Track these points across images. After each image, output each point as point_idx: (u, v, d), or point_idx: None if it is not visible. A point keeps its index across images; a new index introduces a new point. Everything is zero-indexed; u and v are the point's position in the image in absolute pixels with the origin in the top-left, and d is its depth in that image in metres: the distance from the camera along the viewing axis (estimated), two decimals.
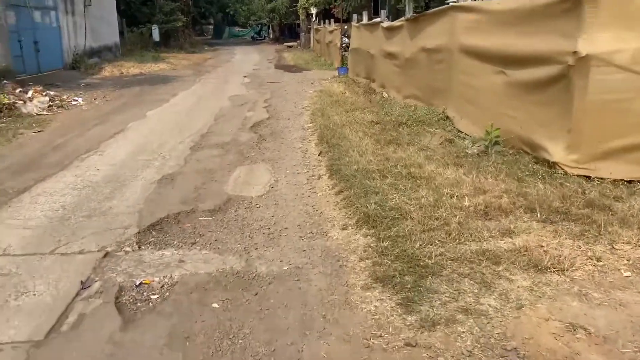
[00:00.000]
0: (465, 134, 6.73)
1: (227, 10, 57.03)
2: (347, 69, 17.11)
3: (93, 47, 21.13)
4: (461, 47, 7.11)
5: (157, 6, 32.55)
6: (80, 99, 12.11)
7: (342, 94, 12.27)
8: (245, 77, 18.08)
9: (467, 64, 6.94)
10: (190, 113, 10.49)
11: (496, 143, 5.77)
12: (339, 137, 7.21)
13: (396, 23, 10.57)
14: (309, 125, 8.89)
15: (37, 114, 10.24)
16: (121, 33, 30.07)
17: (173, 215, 4.78)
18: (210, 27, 67.57)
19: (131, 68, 19.89)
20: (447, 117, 7.57)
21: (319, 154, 6.77)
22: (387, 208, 4.29)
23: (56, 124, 9.45)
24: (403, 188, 4.78)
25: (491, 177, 5.01)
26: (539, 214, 4.08)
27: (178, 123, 9.36)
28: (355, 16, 17.25)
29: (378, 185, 4.90)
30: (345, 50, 21.00)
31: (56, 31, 18.08)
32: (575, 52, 4.52)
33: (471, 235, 3.80)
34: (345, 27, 22.85)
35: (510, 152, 5.61)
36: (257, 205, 5.01)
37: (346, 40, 22.19)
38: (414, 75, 9.33)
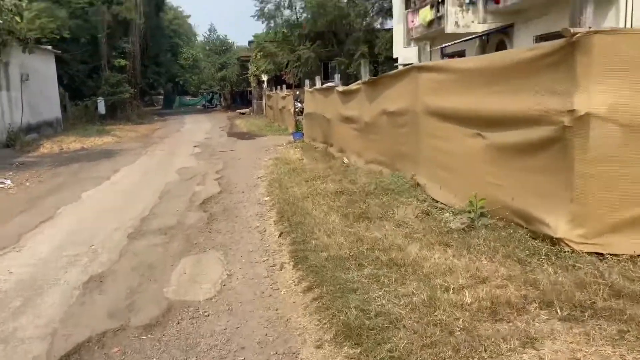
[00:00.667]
0: (442, 203, 6.00)
1: (176, 80, 56.89)
2: (302, 133, 16.57)
3: (31, 123, 19.85)
4: (427, 109, 6.54)
5: (102, 78, 31.72)
6: (8, 181, 10.83)
7: (299, 161, 11.55)
8: (195, 146, 17.21)
9: (435, 127, 6.33)
10: (132, 191, 9.43)
11: (482, 215, 5.04)
12: (301, 212, 6.35)
13: (353, 86, 10.09)
14: (266, 199, 8.02)
15: None
16: (64, 107, 28.93)
17: (96, 337, 3.70)
18: (160, 97, 67.14)
19: (72, 143, 18.67)
20: (418, 184, 6.88)
21: (280, 235, 5.86)
22: (371, 313, 3.38)
23: None
24: (386, 281, 3.90)
25: (486, 258, 4.22)
26: (559, 310, 3.27)
27: (116, 205, 8.28)
28: (307, 81, 16.95)
29: (355, 278, 4.00)
30: (299, 115, 20.66)
31: None
32: (572, 111, 3.91)
33: (485, 350, 2.92)
34: (297, 92, 22.69)
35: (501, 225, 4.87)
36: (206, 314, 3.99)
37: (299, 105, 21.94)
38: (376, 140, 8.72)
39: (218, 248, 5.67)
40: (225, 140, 19.24)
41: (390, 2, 28.32)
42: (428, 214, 5.72)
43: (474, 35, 16.04)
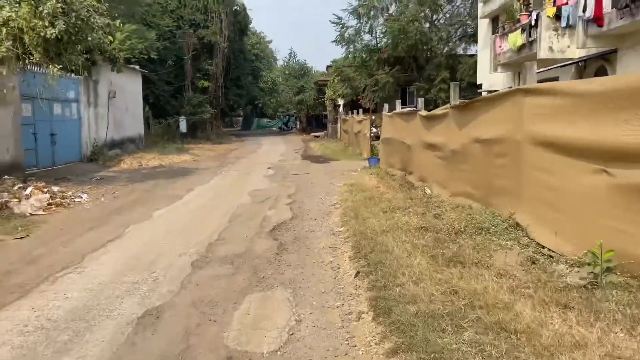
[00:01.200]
0: (551, 250, 5.05)
1: (256, 102, 58.24)
2: (378, 159, 15.88)
3: (115, 138, 20.60)
4: (533, 138, 5.63)
5: (185, 98, 32.85)
6: (85, 196, 10.94)
7: (375, 188, 10.83)
8: (269, 168, 16.97)
9: (544, 159, 5.41)
10: (203, 212, 9.11)
11: (608, 270, 4.07)
12: (380, 249, 5.61)
13: (438, 111, 9.29)
14: (340, 229, 7.35)
15: (31, 213, 9.00)
16: (148, 124, 30.10)
17: None
18: (240, 118, 69.08)
19: (151, 160, 19.10)
20: (518, 224, 5.94)
21: (356, 276, 5.14)
22: None
23: (47, 227, 8.12)
24: (495, 353, 3.08)
25: (622, 330, 3.29)
26: None
27: (186, 226, 7.94)
28: (386, 105, 16.31)
29: (453, 344, 3.21)
30: (374, 140, 20.01)
31: (76, 123, 17.55)
32: None
33: None
34: (374, 117, 22.08)
35: (636, 285, 3.89)
36: None
37: (375, 130, 21.33)
38: (465, 170, 7.85)
39: (287, 285, 5.04)
40: (299, 163, 18.92)
41: (475, 27, 27.29)
42: (534, 263, 4.79)
43: (570, 62, 14.75)
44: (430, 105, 25.19)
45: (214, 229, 7.60)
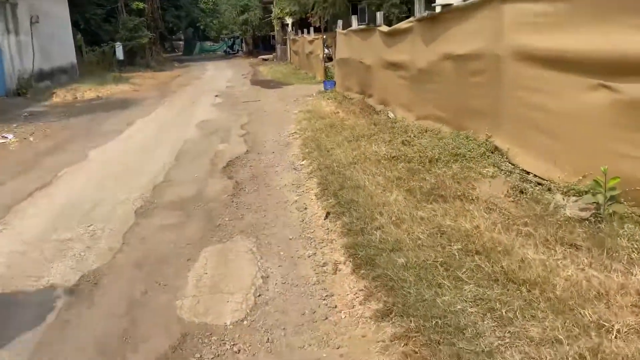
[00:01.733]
0: (537, 176, 4.59)
1: (197, 25, 54.71)
2: (334, 82, 15.01)
3: (44, 69, 18.59)
4: (517, 52, 5.00)
5: (120, 22, 30.09)
6: (10, 136, 9.69)
7: (335, 114, 10.12)
8: (217, 96, 15.80)
9: (530, 76, 4.81)
10: (146, 150, 8.17)
11: (612, 199, 3.63)
12: (350, 185, 5.01)
13: (402, 25, 8.45)
14: (302, 162, 6.68)
15: None
16: (81, 52, 27.56)
17: None
18: (181, 42, 65.13)
19: (87, 91, 17.41)
20: (496, 147, 5.44)
21: (326, 217, 4.55)
22: None
23: None
24: (505, 313, 2.58)
25: None
26: None
27: (127, 167, 7.05)
28: (340, 22, 15.19)
29: (456, 304, 2.69)
30: (327, 62, 18.97)
31: None
32: None
33: None
34: (324, 36, 20.83)
35: None
36: (236, 349, 2.76)
37: (327, 50, 20.20)
38: (433, 91, 7.21)
39: (248, 233, 4.39)
40: (248, 89, 17.76)
41: None
42: (523, 192, 4.31)
43: None
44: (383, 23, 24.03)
45: (159, 169, 6.77)
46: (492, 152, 5.44)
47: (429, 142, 6.24)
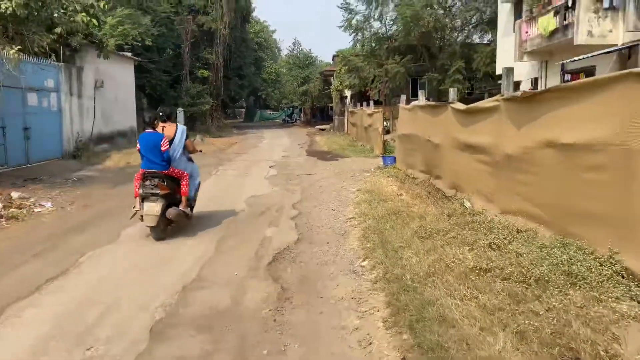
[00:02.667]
0: None
1: (259, 94, 56.30)
2: (394, 158, 13.97)
3: (103, 132, 18.72)
4: None
5: (183, 88, 30.88)
6: (49, 204, 9.08)
7: (398, 197, 8.97)
8: (271, 167, 15.09)
9: None
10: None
11: None
12: (433, 315, 3.71)
13: (484, 104, 7.35)
14: (363, 264, 5.47)
15: None
16: (143, 117, 28.21)
17: None
18: (242, 110, 67.15)
19: None
20: (627, 270, 4.05)
21: None
22: None
23: None
24: None
25: None
26: None
27: (158, 254, 6.07)
28: (403, 97, 14.36)
29: None
30: (385, 134, 18.09)
31: (56, 115, 15.62)
32: None
33: None
34: (383, 109, 20.08)
35: None
36: None
37: (385, 123, 19.42)
38: (525, 182, 5.94)
39: None
40: (304, 161, 17.02)
41: (492, 13, 25.19)
42: None
43: (613, 48, 12.72)
44: (443, 97, 23.17)
45: (194, 261, 5.74)
46: (622, 276, 4.05)
47: (527, 250, 4.90)
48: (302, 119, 52.23)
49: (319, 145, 23.45)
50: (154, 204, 6.35)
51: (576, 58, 13.44)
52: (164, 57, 29.54)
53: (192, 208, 7.28)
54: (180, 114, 29.43)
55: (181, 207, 6.78)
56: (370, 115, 19.73)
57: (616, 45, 12.92)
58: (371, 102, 21.39)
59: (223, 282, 5.02)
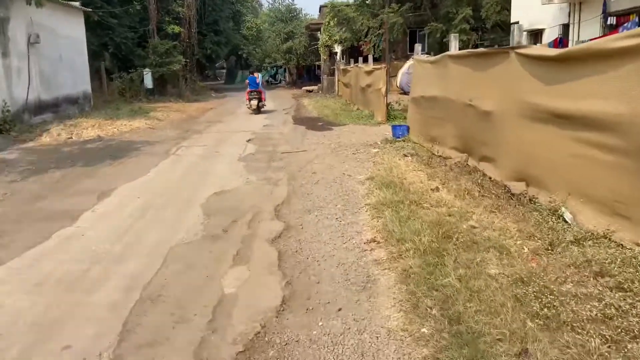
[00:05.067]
0: None
1: (239, 53, 52.06)
2: (407, 127, 10.86)
3: (43, 99, 15.21)
4: None
5: (150, 46, 27.01)
6: None
7: (433, 193, 6.02)
8: (249, 141, 11.89)
9: None
10: (84, 279, 4.13)
11: None
12: None
13: (608, 44, 4.22)
14: None
15: None
16: (109, 77, 24.55)
17: None
18: (223, 71, 62.93)
19: (89, 128, 13.81)
20: None
21: None
22: None
23: None
24: None
25: None
26: None
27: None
28: (417, 47, 11.12)
29: None
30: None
31: None
32: None
33: None
34: (383, 65, 16.77)
35: None
36: None
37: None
38: None
39: None
40: (290, 131, 13.75)
41: None
42: None
43: None
44: (445, 50, 19.89)
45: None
46: None
47: None
48: (288, 79, 48.30)
49: (308, 110, 20.10)
50: (255, 100, 18.11)
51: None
52: (125, 9, 25.50)
53: (264, 105, 19.06)
54: (147, 75, 25.66)
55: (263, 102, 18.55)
56: (368, 73, 16.39)
57: None
58: (370, 58, 18.00)
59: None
